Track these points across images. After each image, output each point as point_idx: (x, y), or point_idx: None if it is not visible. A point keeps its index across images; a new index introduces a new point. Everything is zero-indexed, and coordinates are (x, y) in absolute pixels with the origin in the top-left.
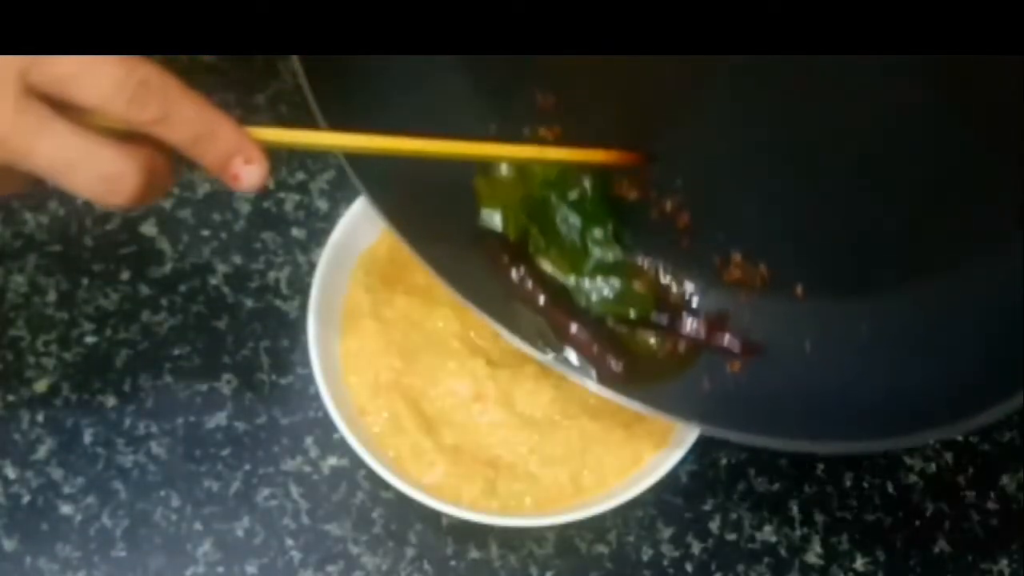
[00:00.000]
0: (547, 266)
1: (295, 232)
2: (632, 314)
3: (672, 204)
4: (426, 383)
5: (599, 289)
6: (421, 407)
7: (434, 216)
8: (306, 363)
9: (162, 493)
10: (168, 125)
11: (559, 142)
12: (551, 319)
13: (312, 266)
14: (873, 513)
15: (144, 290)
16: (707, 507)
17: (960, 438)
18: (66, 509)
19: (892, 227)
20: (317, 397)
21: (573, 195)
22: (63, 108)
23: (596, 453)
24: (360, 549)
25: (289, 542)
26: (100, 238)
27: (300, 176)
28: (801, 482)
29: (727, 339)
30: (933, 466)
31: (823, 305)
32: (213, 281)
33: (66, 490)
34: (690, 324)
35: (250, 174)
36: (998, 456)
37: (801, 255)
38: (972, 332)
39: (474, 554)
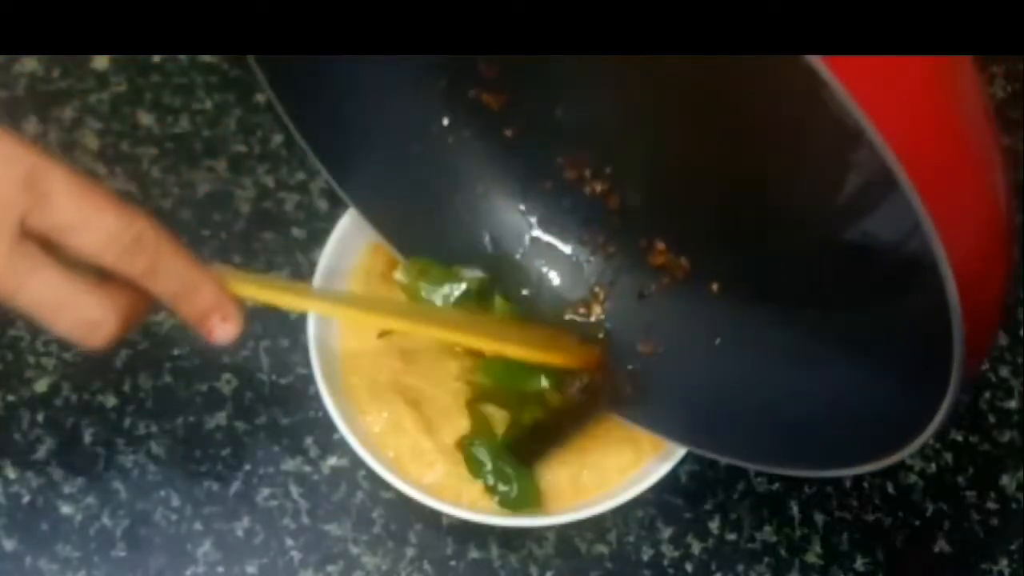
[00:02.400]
0: None
1: (295, 232)
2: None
3: (603, 187)
4: (426, 383)
5: None
6: (421, 407)
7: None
8: (306, 363)
9: (162, 493)
10: (154, 279)
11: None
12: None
13: (312, 266)
14: (873, 513)
15: None
16: (707, 507)
17: (960, 438)
18: (66, 509)
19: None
20: (317, 397)
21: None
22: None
23: (596, 453)
24: (360, 549)
25: (289, 542)
26: None
27: (300, 176)
28: (801, 482)
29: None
30: (933, 466)
31: (735, 305)
32: None
33: (66, 490)
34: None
35: (225, 331)
36: (998, 456)
37: (721, 257)
38: (872, 372)
39: (474, 554)
